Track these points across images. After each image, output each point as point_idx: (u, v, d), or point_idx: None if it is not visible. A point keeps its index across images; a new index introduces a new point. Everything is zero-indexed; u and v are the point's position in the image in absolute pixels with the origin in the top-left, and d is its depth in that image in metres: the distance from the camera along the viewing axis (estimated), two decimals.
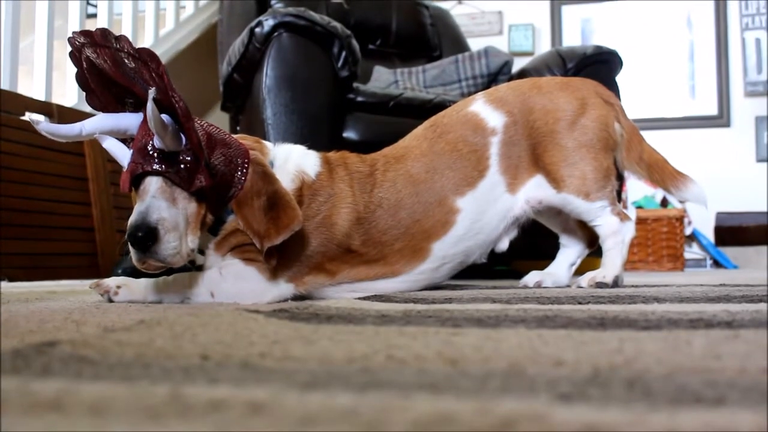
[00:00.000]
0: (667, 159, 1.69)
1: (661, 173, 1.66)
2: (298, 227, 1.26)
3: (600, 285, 1.57)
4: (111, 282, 1.31)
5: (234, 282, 1.30)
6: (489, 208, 1.57)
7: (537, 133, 1.59)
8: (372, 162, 1.55)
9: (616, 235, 1.60)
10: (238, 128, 2.88)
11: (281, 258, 1.31)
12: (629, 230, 1.62)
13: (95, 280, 1.33)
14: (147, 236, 1.13)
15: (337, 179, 1.45)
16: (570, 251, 1.78)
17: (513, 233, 1.65)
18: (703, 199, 1.65)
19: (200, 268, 1.37)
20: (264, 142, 1.44)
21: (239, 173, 1.27)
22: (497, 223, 1.59)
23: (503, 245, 1.65)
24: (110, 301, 1.29)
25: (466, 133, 1.59)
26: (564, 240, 1.79)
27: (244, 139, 1.37)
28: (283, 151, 1.44)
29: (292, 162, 1.41)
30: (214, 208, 1.25)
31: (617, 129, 1.65)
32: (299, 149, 1.48)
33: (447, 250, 1.53)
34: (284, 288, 1.33)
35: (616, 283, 1.58)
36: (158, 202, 1.16)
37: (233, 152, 1.27)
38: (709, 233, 4.58)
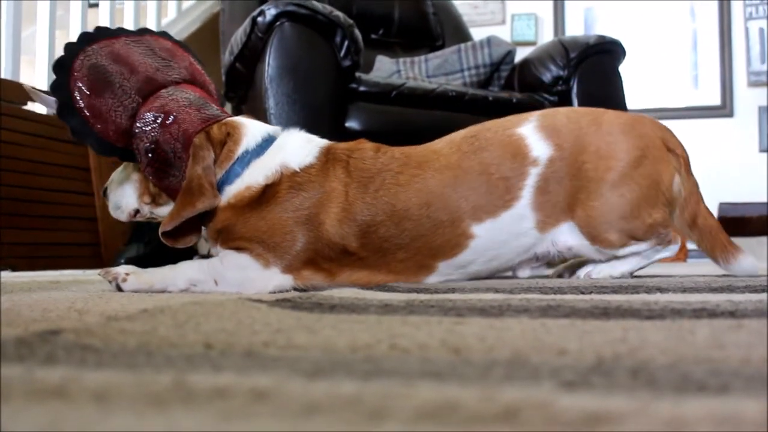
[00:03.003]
0: (721, 226, 1.51)
1: (712, 242, 1.48)
2: (189, 214, 1.29)
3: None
4: (120, 270, 1.32)
5: (235, 271, 1.32)
6: (509, 241, 1.42)
7: (584, 177, 1.41)
8: (387, 161, 1.43)
9: (643, 256, 1.48)
10: None
11: (270, 246, 1.32)
12: (663, 253, 1.48)
13: (104, 268, 1.34)
14: (104, 192, 1.48)
15: (330, 176, 1.37)
16: None
17: (537, 267, 1.51)
18: (755, 272, 1.46)
19: (205, 257, 1.39)
20: (254, 127, 1.42)
21: (176, 156, 1.35)
22: (514, 257, 1.46)
23: (524, 273, 1.52)
24: (119, 288, 1.29)
25: (504, 157, 1.42)
26: None
27: (230, 122, 1.40)
28: (283, 139, 1.42)
29: (281, 153, 1.38)
30: (158, 180, 1.38)
31: (676, 185, 1.47)
32: (298, 139, 1.44)
33: (453, 270, 1.44)
34: (283, 278, 1.33)
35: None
36: (117, 172, 1.47)
37: (178, 137, 1.34)
38: None
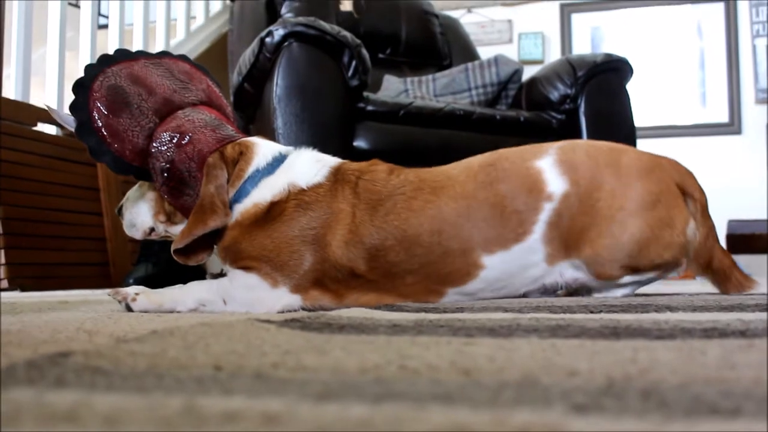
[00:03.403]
0: (735, 262, 1.51)
1: (726, 281, 1.49)
2: (201, 232, 1.31)
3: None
4: (129, 290, 1.33)
5: (244, 291, 1.32)
6: (518, 273, 1.41)
7: (596, 214, 1.39)
8: (400, 183, 1.41)
9: (646, 280, 1.48)
10: None
11: (277, 265, 1.32)
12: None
13: (114, 289, 1.35)
14: (118, 210, 1.51)
15: (339, 197, 1.36)
16: None
17: (543, 293, 1.49)
18: None
19: (216, 276, 1.39)
20: (265, 147, 1.43)
21: (191, 176, 1.36)
22: (522, 287, 1.44)
23: (533, 296, 1.49)
24: (128, 309, 1.30)
25: (520, 191, 1.39)
26: None
27: (243, 142, 1.41)
28: (293, 158, 1.42)
29: (290, 172, 1.38)
30: (173, 198, 1.40)
31: (690, 230, 1.44)
32: (308, 158, 1.43)
33: (462, 297, 1.42)
34: (292, 298, 1.33)
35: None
36: (132, 191, 1.49)
37: (193, 157, 1.36)
38: (721, 241, 4.56)
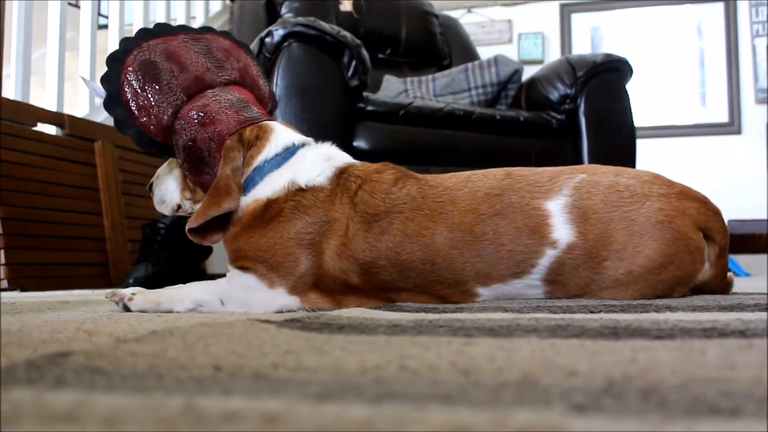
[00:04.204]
0: None
1: None
2: (215, 213, 1.32)
3: None
4: (126, 291, 1.33)
5: (241, 291, 1.32)
6: (517, 297, 1.37)
7: (601, 272, 1.32)
8: (400, 200, 1.35)
9: None
10: None
11: (272, 266, 1.32)
12: None
13: (111, 290, 1.35)
14: (149, 187, 1.53)
15: (336, 205, 1.34)
16: None
17: None
18: None
19: (213, 277, 1.39)
20: (280, 135, 1.41)
21: (210, 155, 1.38)
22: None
23: None
24: (126, 309, 1.30)
25: (522, 231, 1.33)
26: None
27: (263, 126, 1.41)
28: (305, 151, 1.41)
29: (296, 168, 1.37)
30: (193, 175, 1.42)
31: (701, 275, 1.39)
32: (319, 155, 1.41)
33: None
34: (290, 299, 1.32)
35: None
36: (162, 168, 1.52)
37: (213, 137, 1.37)
38: None
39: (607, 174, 1.40)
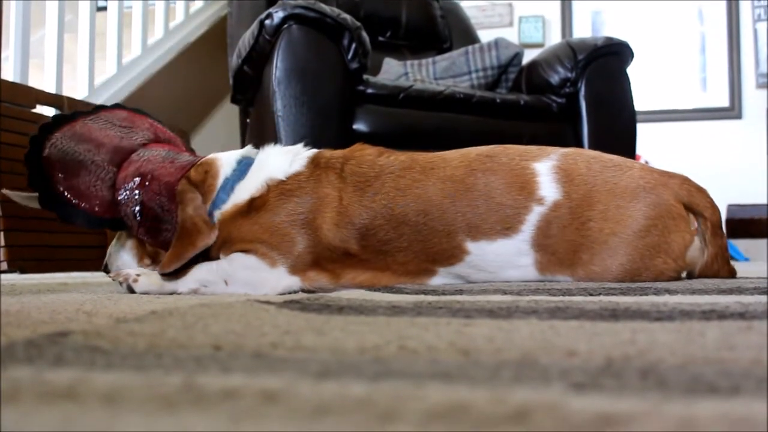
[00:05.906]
0: None
1: None
2: (192, 254, 1.31)
3: None
4: (131, 271, 1.33)
5: (245, 271, 1.32)
6: (507, 269, 1.39)
7: (587, 235, 1.36)
8: (389, 164, 1.41)
9: None
10: (248, 120, 2.88)
11: (271, 245, 1.33)
12: None
13: (115, 270, 1.36)
14: (104, 268, 1.51)
15: (323, 182, 1.37)
16: None
17: None
18: None
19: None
20: (226, 157, 1.43)
21: (164, 210, 1.37)
22: (508, 278, 1.41)
23: None
24: (130, 289, 1.30)
25: (511, 186, 1.38)
26: None
27: (205, 162, 1.42)
28: (263, 156, 1.43)
29: (265, 168, 1.39)
30: (152, 238, 1.40)
31: (693, 251, 1.40)
32: (279, 153, 1.44)
33: (453, 278, 1.41)
34: (291, 279, 1.33)
35: None
36: (112, 245, 1.50)
37: (161, 192, 1.37)
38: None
39: (594, 152, 1.49)
